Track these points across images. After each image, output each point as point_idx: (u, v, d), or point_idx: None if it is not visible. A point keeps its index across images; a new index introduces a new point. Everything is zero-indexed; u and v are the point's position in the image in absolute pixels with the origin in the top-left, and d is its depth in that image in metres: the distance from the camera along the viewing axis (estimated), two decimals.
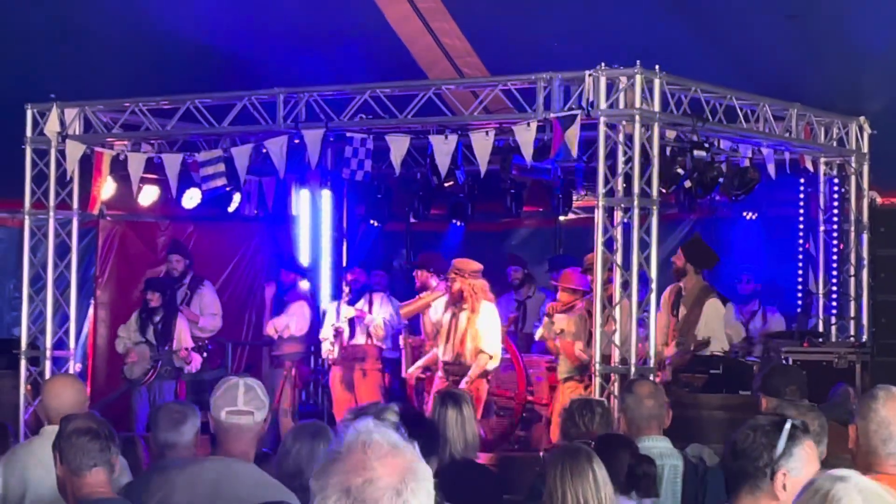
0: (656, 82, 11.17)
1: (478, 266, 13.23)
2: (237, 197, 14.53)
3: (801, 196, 14.48)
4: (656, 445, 7.54)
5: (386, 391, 14.69)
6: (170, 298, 14.63)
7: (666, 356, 12.29)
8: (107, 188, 13.72)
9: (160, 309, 14.49)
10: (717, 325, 12.52)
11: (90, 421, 5.65)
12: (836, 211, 13.85)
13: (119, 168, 13.37)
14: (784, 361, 11.54)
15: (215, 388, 5.95)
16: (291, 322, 14.96)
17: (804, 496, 2.98)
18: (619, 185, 11.10)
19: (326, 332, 14.50)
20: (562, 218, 16.16)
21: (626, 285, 11.08)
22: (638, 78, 11.06)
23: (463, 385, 12.62)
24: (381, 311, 14.59)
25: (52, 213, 13.47)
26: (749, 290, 14.49)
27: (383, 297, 14.80)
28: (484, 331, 12.99)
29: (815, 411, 6.60)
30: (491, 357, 13.00)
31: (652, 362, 11.05)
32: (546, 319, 13.36)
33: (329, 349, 14.44)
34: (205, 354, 14.63)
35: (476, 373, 12.95)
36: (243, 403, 5.86)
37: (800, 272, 14.56)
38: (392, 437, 2.87)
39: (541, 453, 7.14)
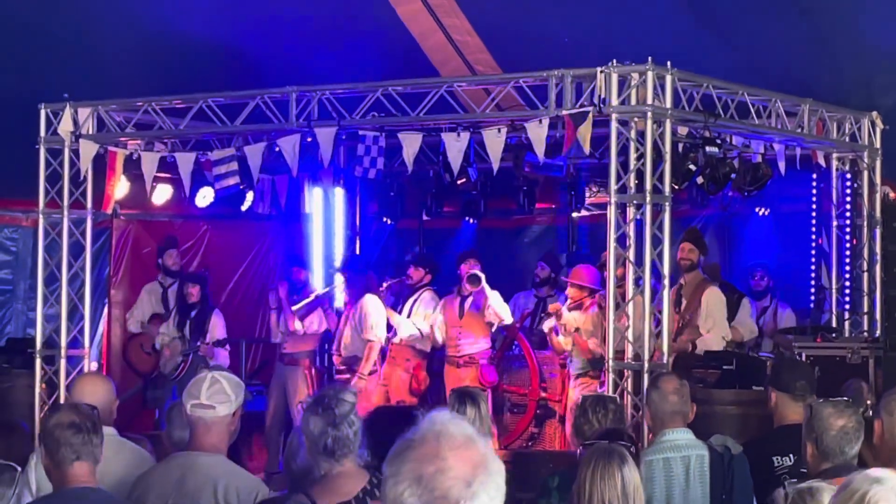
0: (668, 79, 11.18)
1: None
2: (250, 195, 14.58)
3: (814, 191, 14.47)
4: (681, 437, 7.64)
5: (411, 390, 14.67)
6: (206, 292, 14.68)
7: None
8: (120, 187, 13.78)
9: (197, 304, 14.55)
10: (719, 313, 12.53)
11: (73, 414, 5.68)
12: (848, 206, 13.83)
13: (132, 167, 13.40)
14: (797, 357, 11.55)
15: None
16: (315, 319, 14.88)
17: (840, 497, 2.98)
18: (632, 181, 11.11)
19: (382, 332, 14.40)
20: (574, 214, 16.16)
21: (638, 281, 11.09)
22: (650, 74, 11.07)
23: (355, 381, 13.37)
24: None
25: (66, 213, 13.50)
26: (762, 287, 14.50)
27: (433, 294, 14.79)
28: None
29: (853, 407, 6.54)
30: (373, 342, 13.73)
31: (665, 358, 11.06)
32: (552, 318, 13.40)
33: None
34: (227, 348, 14.70)
35: (367, 365, 13.55)
36: (206, 398, 5.92)
37: (812, 268, 14.56)
38: (466, 429, 2.90)
39: (578, 450, 7.14)
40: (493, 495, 2.84)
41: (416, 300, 14.24)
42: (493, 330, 13.88)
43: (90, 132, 13.40)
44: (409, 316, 14.14)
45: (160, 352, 14.68)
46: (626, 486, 5.61)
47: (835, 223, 13.89)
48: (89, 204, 13.57)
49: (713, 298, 12.61)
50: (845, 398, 6.86)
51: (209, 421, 5.94)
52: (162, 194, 15.00)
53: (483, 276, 13.62)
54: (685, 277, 12.79)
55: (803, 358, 11.57)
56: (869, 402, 9.31)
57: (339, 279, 14.78)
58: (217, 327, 14.51)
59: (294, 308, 14.36)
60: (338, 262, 16.03)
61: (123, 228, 16.05)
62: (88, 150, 13.28)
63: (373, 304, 13.90)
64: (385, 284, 14.40)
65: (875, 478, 2.98)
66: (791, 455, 7.52)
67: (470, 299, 13.80)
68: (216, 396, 5.95)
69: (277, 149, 12.77)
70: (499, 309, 13.63)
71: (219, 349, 14.48)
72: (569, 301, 13.41)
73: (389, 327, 14.08)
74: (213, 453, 5.95)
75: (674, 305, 12.47)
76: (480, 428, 7.72)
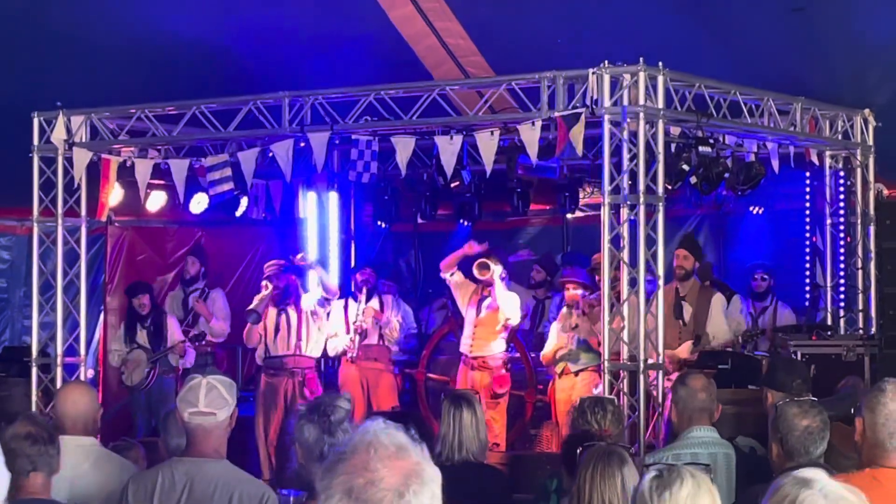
0: (660, 79, 11.18)
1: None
2: (244, 201, 14.57)
3: (807, 190, 14.49)
4: (707, 435, 7.74)
5: (399, 392, 14.73)
6: (155, 299, 14.72)
7: (679, 358, 12.35)
8: (114, 195, 13.78)
9: (149, 313, 14.58)
10: (720, 318, 12.65)
11: (30, 425, 5.68)
12: (842, 204, 13.84)
13: (126, 174, 13.42)
14: (792, 355, 11.55)
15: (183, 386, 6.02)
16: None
17: (771, 500, 2.97)
18: (625, 182, 11.11)
19: (337, 329, 14.46)
20: (569, 216, 16.19)
21: (633, 282, 11.09)
22: (641, 75, 11.07)
23: None
24: (392, 314, 14.64)
25: (60, 221, 13.50)
26: (763, 287, 14.50)
27: (392, 298, 14.85)
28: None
29: (818, 407, 6.63)
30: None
31: (661, 358, 11.06)
32: (564, 310, 13.41)
33: (344, 346, 14.41)
34: (197, 343, 14.70)
35: None
36: (205, 405, 5.89)
37: (807, 266, 14.58)
38: (399, 438, 2.87)
39: (578, 451, 7.16)
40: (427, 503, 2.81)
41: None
42: (498, 329, 13.75)
43: (83, 140, 13.40)
44: None
45: (120, 367, 14.64)
46: (625, 487, 5.62)
47: (829, 221, 13.90)
48: (83, 211, 13.56)
49: (718, 305, 12.77)
50: (811, 398, 6.91)
51: (209, 427, 5.93)
52: (156, 201, 15.00)
53: (496, 269, 13.54)
54: (682, 284, 12.82)
55: (799, 356, 11.58)
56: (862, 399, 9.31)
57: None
58: (175, 329, 14.57)
59: (251, 307, 14.32)
60: (333, 266, 16.02)
61: (118, 235, 16.05)
62: (82, 157, 13.28)
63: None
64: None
65: (804, 479, 2.97)
66: None
67: (488, 299, 13.75)
68: (215, 402, 5.93)
69: (271, 154, 12.77)
70: (504, 306, 13.54)
71: (188, 346, 14.53)
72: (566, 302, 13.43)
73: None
74: (216, 459, 5.94)
75: (671, 310, 12.48)
76: (479, 431, 7.73)
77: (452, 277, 14.09)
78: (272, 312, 14.15)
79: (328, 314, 14.38)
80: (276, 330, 14.11)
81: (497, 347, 13.75)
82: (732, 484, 7.52)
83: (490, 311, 13.71)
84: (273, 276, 14.23)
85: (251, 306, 14.24)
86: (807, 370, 8.28)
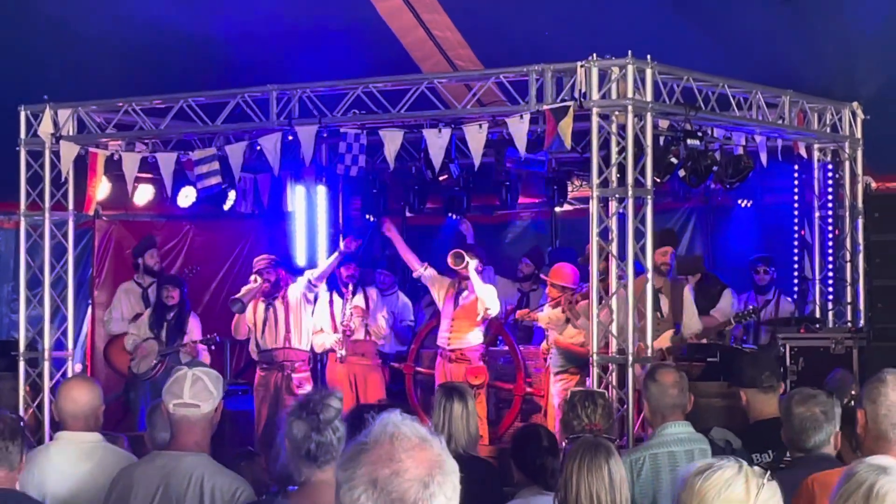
0: (648, 72, 11.17)
1: None
2: (232, 195, 14.54)
3: (796, 183, 14.48)
4: (682, 431, 7.69)
5: (387, 386, 14.73)
6: (184, 295, 14.68)
7: (658, 347, 12.35)
8: (102, 188, 13.74)
9: (175, 306, 14.55)
10: (691, 309, 12.70)
11: None
12: (830, 197, 13.84)
13: (114, 168, 13.38)
14: (780, 349, 11.56)
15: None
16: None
17: (843, 488, 2.93)
18: (614, 175, 11.10)
19: (322, 325, 14.46)
20: (557, 209, 16.18)
21: (621, 275, 11.08)
22: (630, 68, 11.05)
23: None
24: (378, 309, 14.64)
25: (47, 215, 13.46)
26: (766, 280, 14.51)
27: (378, 293, 14.86)
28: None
29: (817, 395, 6.62)
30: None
31: (650, 351, 11.06)
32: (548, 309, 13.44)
33: (331, 344, 14.41)
34: (212, 347, 14.67)
35: None
36: (190, 396, 5.89)
37: (795, 258, 14.59)
38: (419, 429, 2.88)
39: (563, 444, 7.17)
40: (450, 495, 2.83)
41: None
42: (478, 320, 13.80)
43: (70, 133, 13.36)
44: None
45: (132, 352, 14.63)
46: (612, 479, 5.61)
47: (817, 214, 13.90)
48: (71, 205, 13.52)
49: (689, 296, 12.83)
50: (811, 389, 6.92)
51: (193, 419, 5.93)
52: (144, 195, 14.97)
53: (470, 261, 13.56)
54: (656, 278, 12.84)
55: (787, 349, 11.59)
56: (853, 391, 9.33)
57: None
58: (195, 330, 14.55)
59: (237, 296, 14.30)
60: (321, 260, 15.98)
61: (106, 229, 16.02)
62: (69, 151, 13.24)
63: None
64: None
65: (881, 467, 2.92)
66: (770, 451, 7.53)
67: (465, 292, 13.77)
68: (200, 394, 5.93)
69: (259, 148, 12.75)
70: (484, 296, 13.56)
71: (202, 348, 14.48)
72: (549, 301, 13.43)
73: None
74: (196, 452, 5.93)
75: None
76: (469, 424, 7.73)
77: (426, 272, 14.11)
78: (260, 306, 14.14)
79: (315, 298, 14.38)
80: (265, 323, 14.10)
81: (475, 339, 13.79)
82: None
83: (467, 304, 13.73)
84: (263, 269, 14.22)
85: (236, 295, 14.24)
86: (774, 361, 8.28)
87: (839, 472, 5.05)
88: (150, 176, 13.97)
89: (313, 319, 14.41)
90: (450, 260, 13.61)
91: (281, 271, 14.30)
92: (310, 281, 14.31)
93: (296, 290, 14.28)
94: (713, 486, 3.16)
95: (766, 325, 13.86)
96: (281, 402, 13.78)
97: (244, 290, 14.22)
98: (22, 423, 6.23)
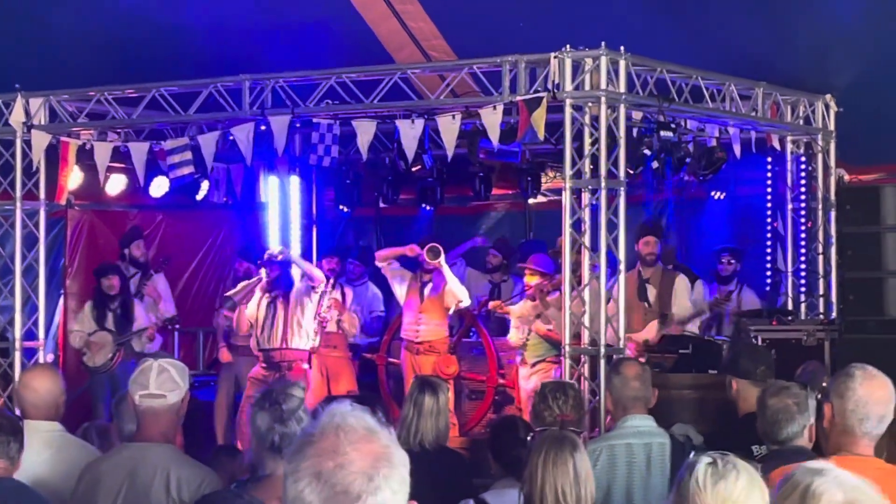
0: (622, 63, 11.17)
1: None
2: (205, 185, 14.50)
3: (769, 175, 14.50)
4: (643, 424, 7.62)
5: (359, 377, 14.70)
6: (124, 282, 14.58)
7: (647, 339, 12.36)
8: (74, 178, 13.69)
9: (118, 295, 14.42)
10: (685, 298, 12.65)
11: None
12: (803, 189, 13.88)
13: (85, 157, 13.33)
14: (753, 340, 11.57)
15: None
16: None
17: (782, 491, 2.94)
18: (587, 166, 11.10)
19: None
20: (531, 201, 16.16)
21: (594, 267, 11.09)
22: (603, 59, 11.05)
23: None
24: (353, 306, 14.61)
25: (18, 204, 13.40)
26: (730, 271, 14.51)
27: (353, 291, 14.81)
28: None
29: (791, 388, 6.62)
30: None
31: (622, 343, 11.07)
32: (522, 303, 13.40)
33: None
34: (176, 327, 14.59)
35: None
36: (155, 387, 5.87)
37: (768, 251, 14.60)
38: (367, 421, 2.82)
39: (529, 437, 7.15)
40: (397, 489, 2.77)
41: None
42: (451, 313, 13.82)
43: (42, 122, 13.31)
44: None
45: (81, 348, 14.47)
46: (578, 474, 5.59)
47: (790, 206, 13.94)
48: (42, 195, 13.48)
49: (682, 286, 12.78)
50: (785, 381, 6.92)
51: (159, 410, 5.90)
52: (116, 184, 14.91)
53: (443, 254, 13.58)
54: (644, 268, 12.84)
55: (759, 341, 11.60)
56: (825, 384, 9.33)
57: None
58: (142, 317, 14.43)
59: (229, 294, 14.20)
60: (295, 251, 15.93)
61: (78, 219, 15.94)
62: (41, 140, 13.19)
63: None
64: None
65: (816, 469, 2.93)
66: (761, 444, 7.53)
67: (430, 285, 13.77)
68: (166, 385, 5.90)
69: (231, 137, 12.72)
70: (456, 290, 13.58)
71: (157, 334, 14.42)
72: (526, 289, 13.43)
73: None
74: (162, 443, 5.91)
75: (635, 295, 12.50)
76: (438, 419, 7.71)
77: (389, 266, 14.07)
78: (263, 303, 13.90)
79: (320, 300, 14.20)
80: (265, 321, 13.88)
81: (443, 331, 13.78)
82: (666, 476, 7.47)
83: (434, 296, 13.72)
84: (267, 264, 13.97)
85: (229, 292, 14.12)
86: (771, 357, 8.26)
87: None
88: (122, 166, 13.91)
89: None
90: (427, 255, 13.58)
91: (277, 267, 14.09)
92: (309, 285, 14.05)
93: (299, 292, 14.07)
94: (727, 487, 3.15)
95: (730, 316, 13.87)
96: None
97: (241, 285, 14.08)
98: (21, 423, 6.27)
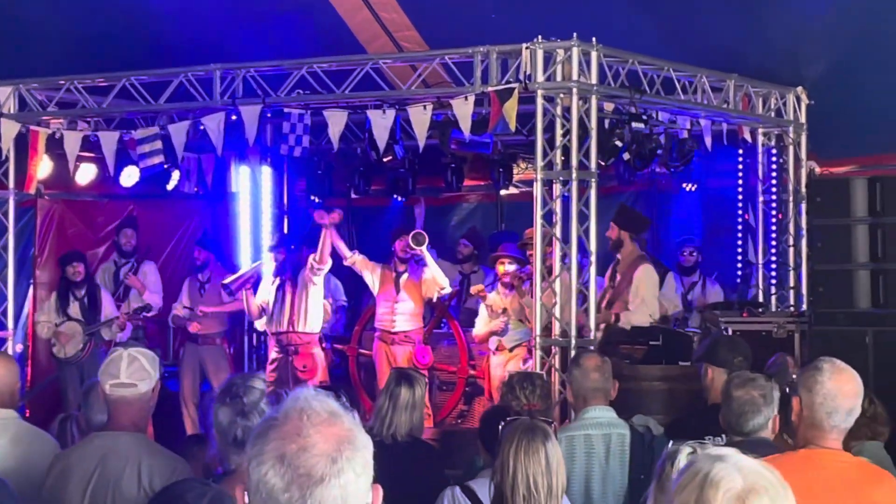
0: (593, 55, 11.17)
1: None
2: (176, 174, 14.45)
3: (740, 167, 14.53)
4: (603, 416, 7.63)
5: (328, 367, 14.65)
6: (89, 269, 14.53)
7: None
8: (43, 167, 13.63)
9: (84, 282, 14.36)
10: (648, 291, 12.49)
11: None
12: (774, 181, 13.91)
13: (55, 146, 13.28)
14: (724, 332, 11.59)
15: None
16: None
17: (684, 478, 2.94)
18: (558, 157, 11.11)
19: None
20: (503, 192, 16.17)
21: (565, 258, 11.09)
22: (575, 51, 11.05)
23: None
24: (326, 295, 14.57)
25: None
26: (691, 262, 14.53)
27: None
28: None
29: (758, 379, 6.65)
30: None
31: (593, 335, 11.07)
32: (493, 294, 13.37)
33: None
34: (147, 315, 14.55)
35: None
36: (126, 376, 5.85)
37: (739, 242, 14.63)
38: (330, 405, 2.83)
39: (500, 426, 7.12)
40: (360, 471, 2.78)
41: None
42: (435, 301, 13.75)
43: (11, 111, 13.25)
44: None
45: (50, 339, 14.40)
46: (549, 463, 5.58)
47: (761, 198, 13.97)
48: (11, 184, 13.44)
49: (644, 275, 12.65)
50: (749, 372, 6.93)
51: (130, 399, 5.88)
52: (86, 174, 14.82)
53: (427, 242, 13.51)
54: (622, 254, 12.81)
55: (730, 333, 11.62)
56: (794, 376, 9.35)
57: (267, 257, 14.55)
58: (109, 305, 14.38)
59: (226, 281, 14.19)
60: (266, 241, 15.88)
61: (48, 208, 15.86)
62: (10, 129, 13.14)
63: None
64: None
65: (717, 455, 2.93)
66: (724, 434, 7.53)
67: (405, 275, 13.72)
68: (137, 374, 5.88)
69: (202, 127, 12.68)
70: (439, 277, 13.52)
71: (128, 322, 14.38)
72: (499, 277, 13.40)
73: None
74: (133, 433, 5.89)
75: (609, 280, 12.49)
76: (414, 412, 7.70)
77: (354, 257, 13.99)
78: (272, 287, 13.89)
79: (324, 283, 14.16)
80: (275, 304, 13.86)
81: (418, 322, 13.75)
82: (626, 467, 7.49)
83: (409, 286, 13.67)
84: (274, 248, 13.99)
85: (226, 280, 14.08)
86: (748, 348, 8.27)
87: (775, 458, 5.07)
88: (92, 155, 13.85)
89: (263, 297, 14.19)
90: (411, 241, 13.49)
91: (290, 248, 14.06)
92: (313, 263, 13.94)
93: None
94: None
95: (696, 308, 13.89)
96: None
97: (238, 273, 14.08)
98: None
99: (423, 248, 13.49)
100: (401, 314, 13.73)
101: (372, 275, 13.93)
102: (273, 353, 13.92)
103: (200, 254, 15.07)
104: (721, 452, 2.95)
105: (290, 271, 13.87)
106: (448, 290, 13.68)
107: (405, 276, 13.73)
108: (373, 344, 13.95)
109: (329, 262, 13.79)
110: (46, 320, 14.40)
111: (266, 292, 13.98)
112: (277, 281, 13.92)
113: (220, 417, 5.26)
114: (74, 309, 14.33)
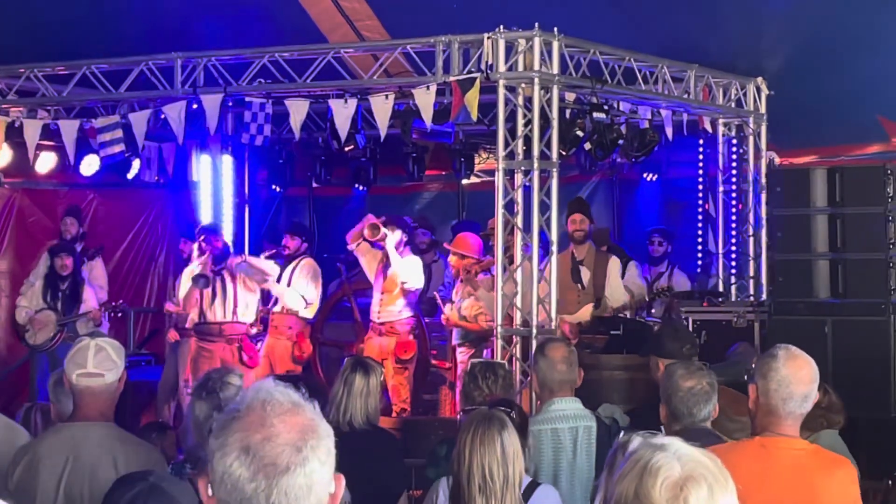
0: (555, 45, 11.19)
1: None
2: (136, 163, 14.41)
3: (700, 157, 14.59)
4: (569, 407, 7.58)
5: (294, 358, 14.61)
6: (78, 264, 14.48)
7: (581, 321, 12.37)
8: (3, 155, 13.56)
9: (69, 276, 14.33)
10: (617, 282, 12.68)
11: None
12: (734, 171, 13.98)
13: (15, 135, 13.21)
14: (684, 321, 11.64)
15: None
16: None
17: (626, 467, 2.97)
18: (520, 147, 11.12)
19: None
20: (464, 181, 16.18)
21: (526, 248, 11.11)
22: (536, 40, 11.07)
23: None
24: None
25: None
26: (660, 252, 14.56)
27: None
28: None
29: (704, 370, 6.68)
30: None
31: (554, 324, 11.10)
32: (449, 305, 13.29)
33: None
34: (119, 314, 14.49)
35: None
36: (93, 366, 5.84)
37: (699, 232, 14.69)
38: (292, 395, 2.86)
39: (459, 416, 7.13)
40: (324, 459, 2.81)
41: (294, 268, 14.02)
42: (396, 293, 13.61)
43: None
44: (289, 284, 13.95)
45: (25, 324, 14.34)
46: (505, 452, 5.59)
47: (721, 188, 14.03)
48: None
49: (615, 269, 12.79)
50: (700, 362, 6.95)
51: (97, 389, 5.87)
52: (46, 162, 14.75)
53: (391, 235, 13.27)
54: (578, 248, 12.83)
55: (690, 322, 11.68)
56: (755, 364, 9.40)
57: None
58: (91, 299, 14.32)
59: (200, 272, 14.05)
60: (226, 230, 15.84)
61: (8, 197, 15.81)
62: None
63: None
64: (264, 255, 14.11)
65: (658, 444, 2.96)
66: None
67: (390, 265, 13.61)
68: (104, 364, 5.87)
69: (163, 116, 12.65)
70: (399, 270, 13.24)
71: (104, 315, 14.32)
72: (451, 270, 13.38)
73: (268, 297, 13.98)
74: (102, 422, 5.88)
75: (570, 275, 12.51)
76: (368, 399, 7.68)
77: (358, 247, 13.93)
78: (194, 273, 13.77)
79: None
80: (213, 296, 13.70)
81: (402, 312, 13.54)
82: (592, 459, 7.48)
83: (391, 276, 13.59)
84: (206, 240, 13.81)
85: (199, 271, 13.88)
86: (694, 336, 8.32)
87: (725, 448, 5.10)
88: (52, 143, 13.78)
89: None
90: (366, 231, 13.40)
91: (224, 240, 13.93)
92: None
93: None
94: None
95: (659, 297, 13.94)
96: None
97: (199, 263, 13.84)
98: None
99: (384, 239, 13.24)
100: (385, 304, 13.50)
101: (369, 263, 13.66)
102: (196, 342, 13.70)
103: (186, 245, 14.90)
104: (662, 441, 2.98)
105: (226, 260, 13.72)
106: (411, 285, 13.39)
107: (390, 266, 13.59)
108: (345, 333, 13.94)
109: (276, 271, 13.77)
110: (27, 306, 14.34)
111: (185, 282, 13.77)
112: (203, 269, 13.66)
113: (196, 412, 5.29)
114: (58, 299, 14.26)
